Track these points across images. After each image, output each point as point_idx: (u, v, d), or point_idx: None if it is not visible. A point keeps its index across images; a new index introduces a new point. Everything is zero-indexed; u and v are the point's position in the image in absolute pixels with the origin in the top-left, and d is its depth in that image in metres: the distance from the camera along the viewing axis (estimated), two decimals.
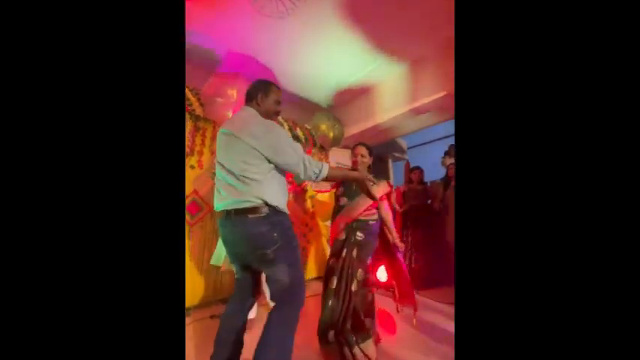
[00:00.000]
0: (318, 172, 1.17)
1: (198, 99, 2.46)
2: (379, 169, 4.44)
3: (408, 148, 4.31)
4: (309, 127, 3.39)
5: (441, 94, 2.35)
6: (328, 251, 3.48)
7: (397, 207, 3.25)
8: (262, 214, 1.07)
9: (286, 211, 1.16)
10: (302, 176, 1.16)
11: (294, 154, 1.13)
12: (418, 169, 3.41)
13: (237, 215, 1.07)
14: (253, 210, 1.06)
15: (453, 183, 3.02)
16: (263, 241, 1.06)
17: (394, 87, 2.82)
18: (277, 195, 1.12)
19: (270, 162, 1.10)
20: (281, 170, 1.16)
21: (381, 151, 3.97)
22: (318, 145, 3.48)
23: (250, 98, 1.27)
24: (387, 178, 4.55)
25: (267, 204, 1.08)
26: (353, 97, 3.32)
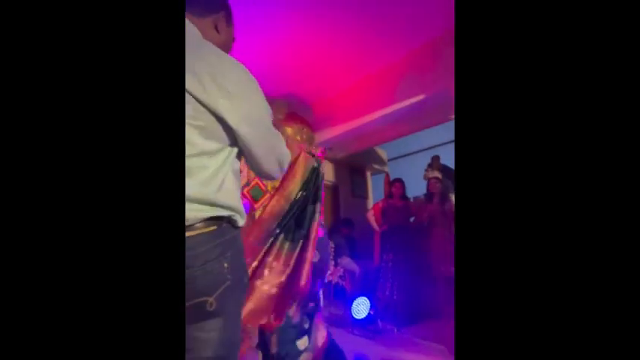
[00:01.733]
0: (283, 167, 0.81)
1: None
2: (356, 183, 3.99)
3: (389, 160, 3.89)
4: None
5: (418, 97, 2.26)
6: None
7: (375, 226, 2.98)
8: (209, 229, 0.60)
9: (244, 221, 0.69)
10: (278, 173, 0.78)
11: (279, 135, 0.73)
12: (399, 182, 3.07)
13: None
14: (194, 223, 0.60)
15: (435, 199, 2.75)
16: (206, 280, 0.60)
17: (371, 89, 2.64)
18: (234, 195, 0.66)
19: (231, 143, 0.64)
20: (237, 155, 0.69)
21: (359, 162, 3.55)
22: None
23: (199, 11, 0.69)
24: (365, 194, 4.09)
25: (215, 215, 0.61)
26: (326, 96, 3.01)
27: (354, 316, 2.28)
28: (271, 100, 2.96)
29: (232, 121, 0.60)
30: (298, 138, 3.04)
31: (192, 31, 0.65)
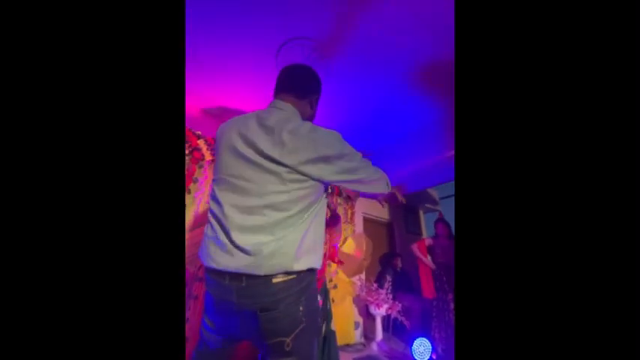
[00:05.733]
0: (386, 181, 0.85)
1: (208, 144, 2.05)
2: (410, 220, 3.99)
3: (441, 199, 3.83)
4: None
5: None
6: (354, 313, 3.04)
7: (421, 256, 2.95)
8: (291, 277, 0.65)
9: (320, 264, 0.73)
10: (386, 188, 0.83)
11: (367, 167, 0.79)
12: (442, 222, 2.96)
13: (251, 280, 0.64)
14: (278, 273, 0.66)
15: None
16: (285, 323, 0.64)
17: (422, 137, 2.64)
18: (318, 243, 0.71)
19: (315, 199, 0.71)
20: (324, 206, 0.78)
21: (412, 202, 3.58)
22: (344, 195, 3.17)
23: (299, 93, 0.81)
24: (419, 231, 4.05)
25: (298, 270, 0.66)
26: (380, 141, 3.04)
27: (415, 358, 2.26)
28: None
29: (330, 178, 0.69)
30: None
31: (287, 111, 0.77)
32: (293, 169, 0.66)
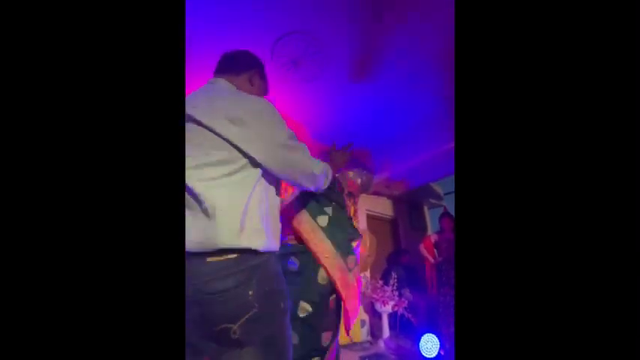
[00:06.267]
0: (326, 175, 0.79)
1: None
2: (414, 216, 3.94)
3: (445, 194, 3.77)
4: (336, 174, 3.08)
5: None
6: (360, 311, 3.02)
7: (430, 258, 2.88)
8: (231, 257, 0.58)
9: (275, 247, 0.66)
10: (313, 187, 0.76)
11: (305, 151, 0.72)
12: (448, 216, 2.88)
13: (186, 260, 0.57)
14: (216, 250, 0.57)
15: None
16: (228, 308, 0.56)
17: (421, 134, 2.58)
18: (262, 222, 0.63)
19: (257, 165, 0.64)
20: (272, 180, 0.70)
21: (416, 197, 3.53)
22: (346, 192, 3.14)
23: (236, 70, 0.78)
24: (424, 226, 4.00)
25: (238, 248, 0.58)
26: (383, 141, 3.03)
27: (423, 354, 2.22)
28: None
29: (244, 146, 0.61)
30: (359, 180, 3.19)
31: (224, 85, 0.74)
32: (210, 131, 0.61)
